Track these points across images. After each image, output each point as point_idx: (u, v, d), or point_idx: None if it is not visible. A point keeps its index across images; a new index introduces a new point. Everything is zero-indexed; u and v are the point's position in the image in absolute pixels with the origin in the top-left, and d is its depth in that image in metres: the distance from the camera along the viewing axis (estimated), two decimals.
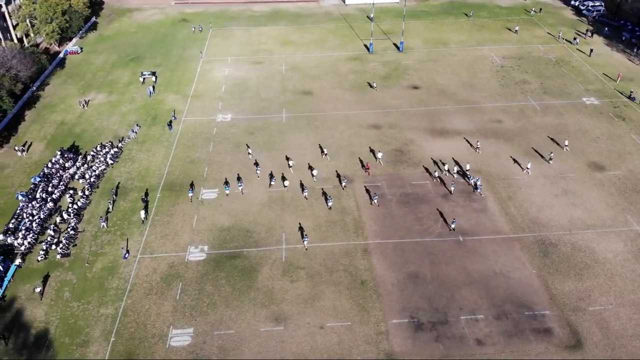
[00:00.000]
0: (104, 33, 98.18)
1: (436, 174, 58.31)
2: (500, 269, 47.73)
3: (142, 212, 53.24)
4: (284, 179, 58.55)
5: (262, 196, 56.70)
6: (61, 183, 57.66)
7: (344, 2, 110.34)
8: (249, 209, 54.98)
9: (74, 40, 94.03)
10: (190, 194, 55.91)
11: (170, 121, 68.85)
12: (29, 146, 65.77)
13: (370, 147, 63.70)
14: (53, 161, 60.60)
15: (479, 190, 56.27)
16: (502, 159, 61.56)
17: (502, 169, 60.06)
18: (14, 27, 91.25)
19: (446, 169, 58.99)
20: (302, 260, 48.58)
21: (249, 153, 62.84)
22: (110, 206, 54.96)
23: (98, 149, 63.63)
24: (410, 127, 68.13)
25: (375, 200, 54.52)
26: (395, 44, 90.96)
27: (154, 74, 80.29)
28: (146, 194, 56.57)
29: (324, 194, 56.34)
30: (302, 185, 57.64)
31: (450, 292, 45.37)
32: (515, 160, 61.05)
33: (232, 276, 47.20)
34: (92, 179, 58.09)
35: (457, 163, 60.40)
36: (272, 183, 57.80)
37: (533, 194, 56.36)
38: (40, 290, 45.31)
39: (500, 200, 55.60)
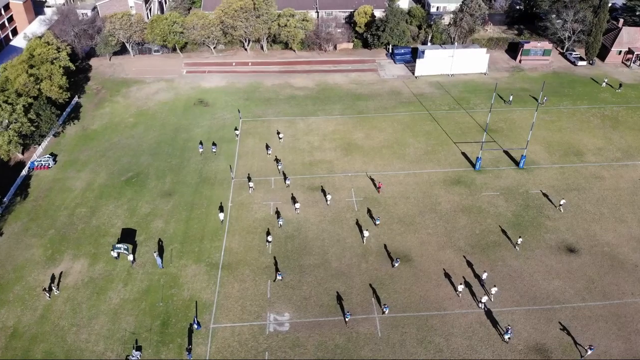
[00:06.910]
0: (90, 126, 69.50)
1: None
2: None
3: None
4: None
5: None
6: None
7: (413, 73, 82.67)
8: None
9: (44, 143, 64.86)
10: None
11: (190, 340, 40.91)
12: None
13: None
14: None
15: None
16: None
17: None
18: None
19: None
20: None
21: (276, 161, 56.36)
22: None
23: None
24: (600, 350, 40.35)
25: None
26: (507, 152, 63.43)
27: (132, 250, 48.63)
28: None
29: None
30: None
31: None
32: None
33: None
34: None
35: None
36: None
37: None
38: None
39: None
